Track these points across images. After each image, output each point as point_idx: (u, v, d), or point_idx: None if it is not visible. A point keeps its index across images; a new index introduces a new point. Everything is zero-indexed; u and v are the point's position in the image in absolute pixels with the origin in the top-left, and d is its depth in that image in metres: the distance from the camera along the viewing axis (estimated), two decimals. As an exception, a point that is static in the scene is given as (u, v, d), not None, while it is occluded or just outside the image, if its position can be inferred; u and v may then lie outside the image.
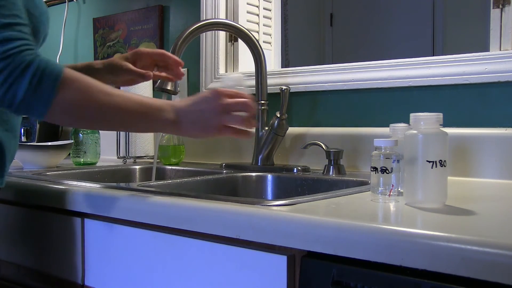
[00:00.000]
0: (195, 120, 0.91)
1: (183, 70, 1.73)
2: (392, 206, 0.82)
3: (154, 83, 1.60)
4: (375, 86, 1.35)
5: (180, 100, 0.94)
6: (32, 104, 0.82)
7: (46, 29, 1.01)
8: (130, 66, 1.10)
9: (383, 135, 0.97)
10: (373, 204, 0.83)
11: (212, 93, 0.92)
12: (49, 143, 1.58)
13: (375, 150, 0.88)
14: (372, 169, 0.86)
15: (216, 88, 0.93)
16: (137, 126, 0.93)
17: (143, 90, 1.66)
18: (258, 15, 1.77)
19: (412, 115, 0.81)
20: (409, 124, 0.82)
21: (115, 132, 1.71)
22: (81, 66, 1.14)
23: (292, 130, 1.44)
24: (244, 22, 1.70)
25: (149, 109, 0.90)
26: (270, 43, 1.82)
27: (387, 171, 0.87)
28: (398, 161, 0.92)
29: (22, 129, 1.96)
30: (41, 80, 0.81)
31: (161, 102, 0.92)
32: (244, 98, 0.94)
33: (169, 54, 1.12)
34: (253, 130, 0.98)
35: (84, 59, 2.17)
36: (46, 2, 2.32)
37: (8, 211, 1.21)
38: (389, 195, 0.86)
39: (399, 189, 0.93)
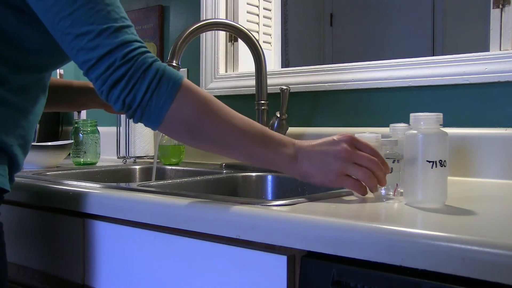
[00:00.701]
0: (314, 162, 0.83)
1: (183, 70, 1.73)
2: (392, 206, 0.82)
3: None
4: (375, 86, 1.35)
5: (304, 141, 0.86)
6: (149, 108, 0.80)
7: None
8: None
9: (383, 135, 0.96)
10: (373, 204, 0.83)
11: (342, 136, 0.85)
12: (49, 143, 1.58)
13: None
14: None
15: (348, 133, 0.85)
16: (253, 155, 0.85)
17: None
18: (258, 15, 1.77)
19: (412, 115, 0.81)
20: (409, 124, 0.82)
21: (115, 132, 1.71)
22: (63, 84, 1.16)
23: (292, 130, 1.44)
24: (244, 22, 1.70)
25: (271, 139, 0.84)
26: (270, 43, 1.82)
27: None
28: (398, 161, 0.93)
29: (22, 129, 1.96)
30: (160, 84, 0.80)
31: (283, 136, 0.86)
32: (375, 153, 0.85)
33: None
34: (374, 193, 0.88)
35: (84, 59, 2.16)
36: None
37: (8, 211, 1.21)
38: (394, 194, 0.86)
39: (399, 189, 0.93)
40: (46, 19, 0.84)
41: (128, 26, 0.83)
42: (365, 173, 0.82)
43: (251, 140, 0.84)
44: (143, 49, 0.82)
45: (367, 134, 0.91)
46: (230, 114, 0.84)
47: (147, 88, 0.79)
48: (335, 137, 0.85)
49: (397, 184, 0.87)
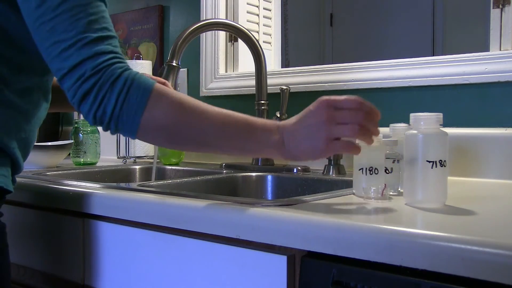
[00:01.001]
0: (300, 140, 0.79)
1: (183, 70, 1.73)
2: (392, 206, 0.82)
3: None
4: (375, 86, 1.35)
5: (287, 121, 0.82)
6: (121, 121, 0.78)
7: None
8: None
9: (383, 135, 0.96)
10: (373, 204, 0.83)
11: (318, 103, 0.78)
12: (49, 143, 1.58)
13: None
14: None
15: (322, 97, 0.79)
16: (238, 149, 0.83)
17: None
18: (258, 15, 1.77)
19: (412, 115, 0.80)
20: (409, 124, 0.82)
21: (115, 132, 1.71)
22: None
23: (292, 130, 1.44)
24: (244, 22, 1.70)
25: (254, 129, 0.81)
26: (270, 43, 1.82)
27: (375, 172, 0.87)
28: (398, 161, 0.93)
29: (22, 129, 1.96)
30: (128, 95, 0.78)
31: (265, 122, 0.82)
32: (357, 104, 0.77)
33: None
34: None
35: (84, 59, 2.16)
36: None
37: (8, 211, 1.21)
38: (382, 194, 0.85)
39: (400, 189, 0.93)
40: (28, 22, 0.82)
41: (109, 37, 0.81)
42: (352, 129, 0.77)
43: (234, 134, 0.81)
44: (115, 60, 0.79)
45: None
46: (208, 112, 0.81)
47: (116, 100, 0.77)
48: (311, 107, 0.79)
49: (385, 184, 0.86)
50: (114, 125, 0.80)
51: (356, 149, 0.80)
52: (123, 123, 0.79)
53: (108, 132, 0.83)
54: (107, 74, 0.78)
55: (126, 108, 0.78)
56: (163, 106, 0.79)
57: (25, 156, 0.97)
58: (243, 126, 0.81)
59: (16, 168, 0.94)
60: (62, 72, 0.79)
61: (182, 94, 0.83)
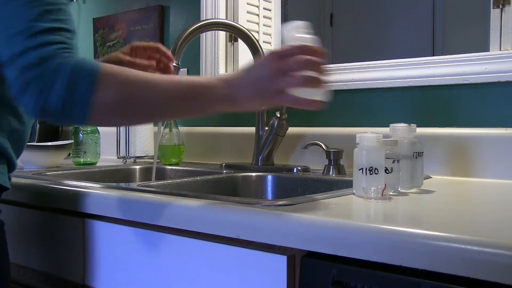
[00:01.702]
0: (250, 91, 0.79)
1: (183, 70, 1.73)
2: (392, 206, 0.82)
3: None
4: (375, 86, 1.35)
5: (233, 73, 0.84)
6: (71, 109, 0.75)
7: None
8: (131, 59, 1.08)
9: (383, 135, 0.96)
10: (373, 204, 0.83)
11: (266, 56, 0.79)
12: (49, 143, 1.58)
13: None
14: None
15: (270, 50, 0.80)
16: (189, 110, 0.83)
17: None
18: (258, 15, 1.77)
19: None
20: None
21: (115, 132, 1.71)
22: None
23: (292, 130, 1.44)
24: (244, 22, 1.70)
25: (200, 88, 0.80)
26: (270, 43, 1.82)
27: (375, 172, 0.87)
28: (398, 161, 0.93)
29: (22, 129, 1.96)
30: (76, 82, 0.74)
31: (211, 79, 0.83)
32: (307, 52, 0.78)
33: (164, 49, 1.09)
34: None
35: (84, 59, 2.17)
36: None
37: (8, 212, 1.21)
38: (382, 194, 0.85)
39: (400, 189, 0.93)
40: None
41: (61, 29, 0.79)
42: (301, 79, 0.77)
43: (181, 98, 0.80)
44: (60, 50, 0.76)
45: (368, 134, 0.91)
46: (155, 83, 0.80)
47: (61, 90, 0.74)
48: (261, 59, 0.81)
49: (385, 184, 0.86)
50: (63, 115, 0.76)
51: (308, 102, 0.80)
52: (73, 112, 0.76)
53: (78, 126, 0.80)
54: (50, 65, 0.74)
55: (73, 96, 0.75)
56: (112, 88, 0.77)
57: (18, 154, 0.98)
58: (189, 88, 0.81)
59: (11, 165, 0.94)
60: (4, 59, 0.77)
61: (127, 70, 0.81)
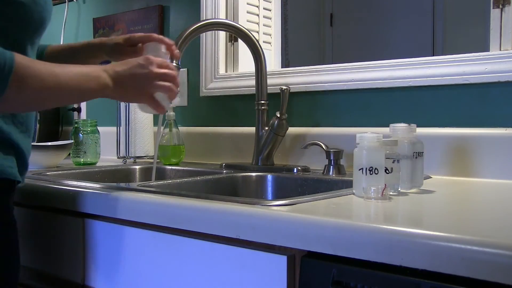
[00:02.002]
0: (129, 85, 0.94)
1: (183, 70, 1.73)
2: (392, 206, 0.82)
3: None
4: (375, 86, 1.35)
5: (114, 64, 0.95)
6: None
7: (50, 16, 0.99)
8: (125, 48, 1.12)
9: (383, 135, 0.96)
10: (373, 204, 0.83)
11: (145, 60, 0.95)
12: (49, 143, 1.58)
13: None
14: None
15: (147, 56, 0.97)
16: (75, 99, 0.98)
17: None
18: (258, 15, 1.77)
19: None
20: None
21: (115, 132, 1.71)
22: (62, 48, 1.15)
23: (292, 130, 1.44)
24: (244, 22, 1.70)
25: (86, 77, 0.90)
26: (270, 43, 1.81)
27: (375, 172, 0.87)
28: (398, 161, 0.93)
29: (22, 129, 1.96)
30: None
31: (97, 68, 0.92)
32: (172, 69, 0.98)
33: (159, 36, 1.12)
34: (172, 104, 1.02)
35: (84, 59, 2.17)
36: (46, 2, 2.32)
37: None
38: (382, 194, 0.85)
39: (400, 189, 0.93)
40: None
41: None
42: (170, 89, 0.96)
43: (73, 92, 0.90)
44: None
45: (368, 134, 0.91)
46: (56, 76, 0.86)
47: None
48: (140, 60, 0.95)
49: (385, 184, 0.86)
50: None
51: (163, 109, 0.98)
52: None
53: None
54: None
55: None
56: (24, 86, 0.81)
57: (27, 142, 0.98)
58: (78, 78, 0.89)
59: (21, 159, 0.94)
60: None
61: (39, 64, 0.86)
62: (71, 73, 0.89)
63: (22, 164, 0.96)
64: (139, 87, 0.94)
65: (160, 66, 0.96)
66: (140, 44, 1.11)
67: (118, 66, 0.94)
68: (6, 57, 0.78)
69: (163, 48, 1.05)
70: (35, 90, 0.84)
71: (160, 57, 1.00)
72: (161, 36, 1.09)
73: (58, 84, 0.86)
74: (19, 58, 0.81)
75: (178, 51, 1.13)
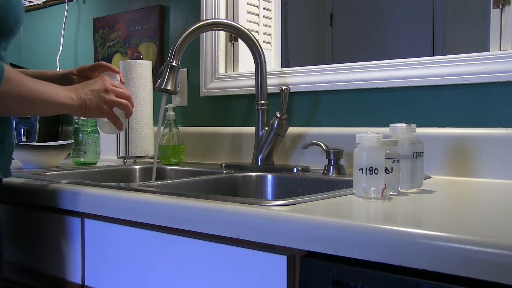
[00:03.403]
0: (90, 99, 1.03)
1: (183, 70, 1.73)
2: (391, 206, 0.82)
3: (153, 83, 1.61)
4: (375, 86, 1.35)
5: (74, 85, 1.06)
6: None
7: (24, 16, 1.00)
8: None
9: (383, 135, 0.96)
10: (373, 204, 0.83)
11: (101, 79, 1.08)
12: (49, 143, 1.58)
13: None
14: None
15: (102, 76, 1.11)
16: (45, 111, 1.06)
17: (143, 91, 1.66)
18: (258, 15, 1.77)
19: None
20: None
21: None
22: (33, 75, 1.18)
23: (292, 130, 1.44)
24: (244, 22, 1.70)
25: (57, 100, 0.98)
26: (270, 43, 1.81)
27: (375, 172, 0.87)
28: (398, 161, 0.93)
29: (22, 129, 1.96)
30: None
31: (59, 90, 1.00)
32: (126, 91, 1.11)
33: (107, 64, 1.21)
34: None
35: (84, 59, 2.17)
36: (46, 2, 2.32)
37: (8, 211, 1.21)
38: (382, 194, 0.85)
39: (400, 189, 0.93)
40: None
41: None
42: (127, 106, 1.09)
43: (43, 109, 1.01)
44: None
45: (368, 134, 0.91)
46: (30, 91, 0.94)
47: None
48: (97, 80, 1.07)
49: (385, 184, 0.86)
50: None
51: (120, 125, 1.11)
52: None
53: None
54: None
55: None
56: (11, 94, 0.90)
57: (11, 133, 1.04)
58: (50, 102, 0.98)
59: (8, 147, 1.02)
60: None
61: (25, 78, 0.94)
62: (40, 88, 0.97)
63: (7, 159, 1.02)
64: (99, 100, 1.04)
65: (116, 85, 1.08)
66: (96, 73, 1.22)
67: (79, 85, 1.05)
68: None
69: (118, 76, 1.19)
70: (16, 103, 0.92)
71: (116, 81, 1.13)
72: (109, 64, 1.22)
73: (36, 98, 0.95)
74: (8, 71, 0.88)
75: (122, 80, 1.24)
